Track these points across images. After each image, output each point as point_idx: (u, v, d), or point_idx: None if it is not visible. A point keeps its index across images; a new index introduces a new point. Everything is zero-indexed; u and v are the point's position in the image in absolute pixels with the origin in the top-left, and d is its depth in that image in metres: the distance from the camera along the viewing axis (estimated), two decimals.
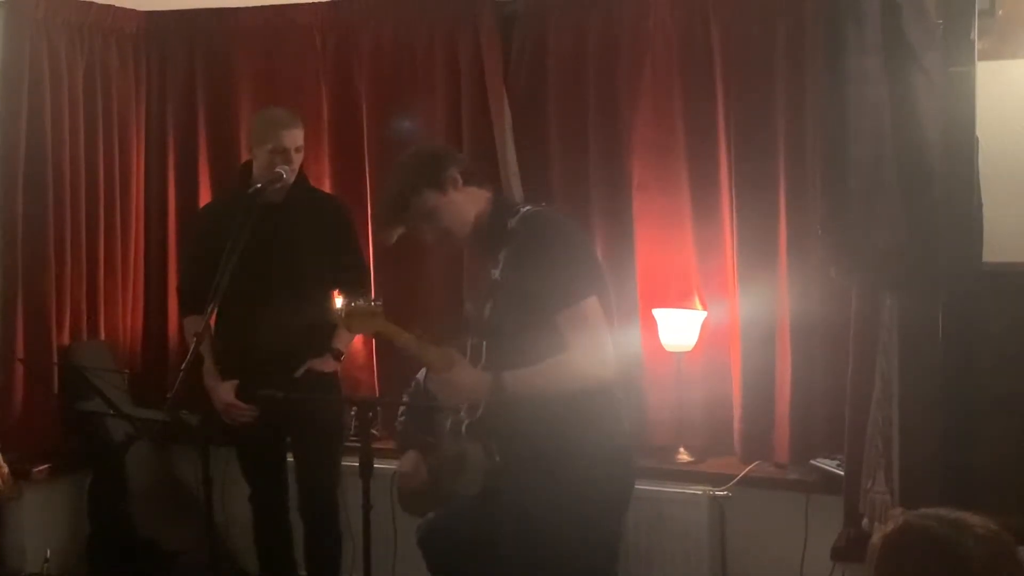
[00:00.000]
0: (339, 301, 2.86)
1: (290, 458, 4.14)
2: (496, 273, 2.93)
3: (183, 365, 3.47)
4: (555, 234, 2.93)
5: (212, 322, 3.81)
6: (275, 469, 4.11)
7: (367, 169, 4.51)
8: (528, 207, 3.00)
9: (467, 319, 3.17)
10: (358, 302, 2.84)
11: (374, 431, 4.18)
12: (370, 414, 3.51)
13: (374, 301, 2.85)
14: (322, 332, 3.94)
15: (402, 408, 3.98)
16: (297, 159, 3.90)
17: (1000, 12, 3.36)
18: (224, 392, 3.92)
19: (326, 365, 3.97)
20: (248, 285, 3.84)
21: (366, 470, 3.37)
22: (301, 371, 3.90)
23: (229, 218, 3.69)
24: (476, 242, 3.03)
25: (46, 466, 4.39)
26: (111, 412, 4.20)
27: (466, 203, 2.97)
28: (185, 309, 4.16)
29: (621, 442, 3.01)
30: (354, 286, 4.01)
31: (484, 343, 2.96)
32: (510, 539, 2.95)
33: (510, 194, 4.04)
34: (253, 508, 4.13)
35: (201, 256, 3.92)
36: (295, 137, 3.88)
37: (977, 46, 3.23)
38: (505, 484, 2.96)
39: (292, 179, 3.88)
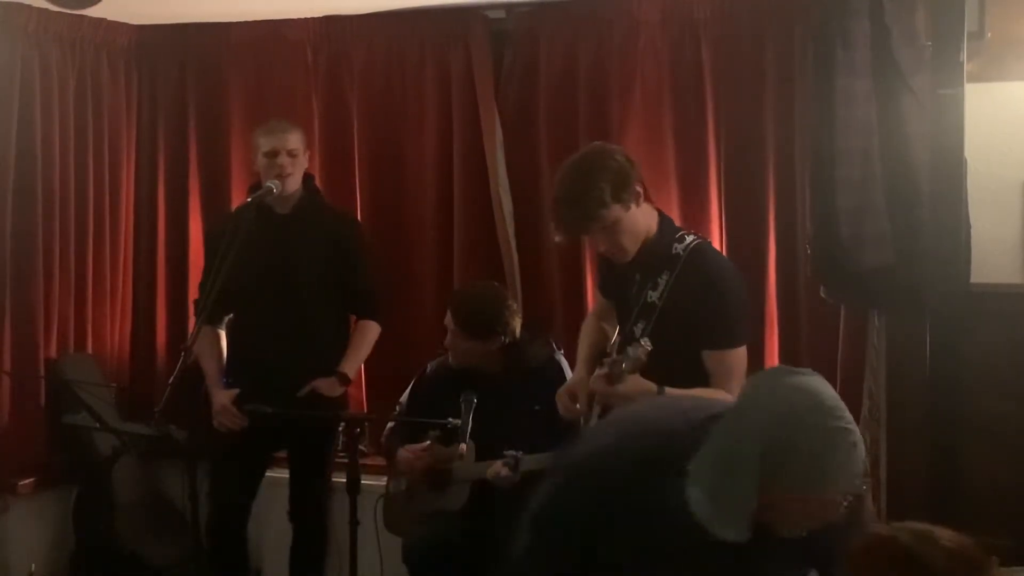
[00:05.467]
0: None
1: (276, 473, 4.13)
2: (654, 296, 2.87)
3: (171, 379, 3.46)
4: (726, 275, 2.93)
5: (226, 331, 3.95)
6: (247, 488, 4.05)
7: (357, 183, 4.51)
8: (692, 236, 2.94)
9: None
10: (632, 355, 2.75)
11: (362, 447, 4.16)
12: (357, 430, 3.51)
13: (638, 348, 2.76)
14: (330, 350, 3.95)
15: (389, 425, 3.98)
16: (292, 163, 3.87)
17: (989, 34, 3.38)
18: (223, 396, 3.91)
19: (331, 389, 3.94)
20: (253, 297, 3.88)
21: (353, 486, 3.37)
22: (305, 391, 3.88)
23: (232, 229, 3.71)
24: (635, 259, 2.93)
25: (31, 480, 4.37)
26: (98, 426, 4.19)
27: (642, 220, 2.89)
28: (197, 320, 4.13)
29: None
30: (362, 312, 4.03)
31: None
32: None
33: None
34: (210, 534, 3.99)
35: (208, 268, 3.92)
36: (278, 140, 3.86)
37: (966, 68, 3.25)
38: None
39: (286, 187, 3.86)
